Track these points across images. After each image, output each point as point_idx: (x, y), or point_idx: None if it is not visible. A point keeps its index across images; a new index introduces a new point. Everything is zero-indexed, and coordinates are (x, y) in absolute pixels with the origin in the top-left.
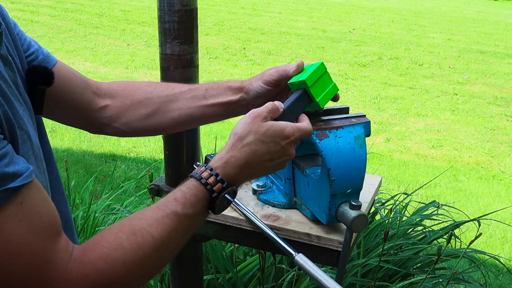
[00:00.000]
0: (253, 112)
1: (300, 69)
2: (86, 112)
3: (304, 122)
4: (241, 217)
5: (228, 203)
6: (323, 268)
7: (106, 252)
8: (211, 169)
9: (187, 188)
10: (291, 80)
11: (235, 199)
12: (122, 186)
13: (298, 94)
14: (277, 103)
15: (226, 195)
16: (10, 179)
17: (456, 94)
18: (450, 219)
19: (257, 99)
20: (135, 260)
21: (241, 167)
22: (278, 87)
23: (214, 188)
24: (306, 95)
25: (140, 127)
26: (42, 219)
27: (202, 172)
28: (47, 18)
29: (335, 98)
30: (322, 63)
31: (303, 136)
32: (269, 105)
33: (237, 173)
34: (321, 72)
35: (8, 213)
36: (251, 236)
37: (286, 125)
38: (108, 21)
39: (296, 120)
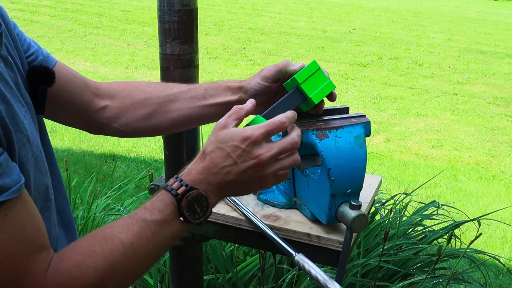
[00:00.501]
0: (215, 125)
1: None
2: (85, 112)
3: (272, 119)
4: (241, 217)
5: (202, 211)
6: (323, 268)
7: (80, 259)
8: (176, 177)
9: (156, 196)
10: (285, 82)
11: (235, 199)
12: (122, 186)
13: (291, 91)
14: (248, 102)
15: (194, 200)
16: None
17: (456, 94)
18: (450, 219)
19: (256, 97)
20: (107, 267)
21: (204, 173)
22: (277, 83)
23: (178, 191)
24: (299, 93)
25: (140, 128)
26: (25, 231)
27: (169, 182)
28: (47, 18)
29: (332, 98)
30: (314, 61)
31: (271, 130)
32: (231, 110)
33: (202, 178)
34: (313, 69)
35: None
36: (251, 236)
37: (245, 129)
38: (108, 21)
39: None
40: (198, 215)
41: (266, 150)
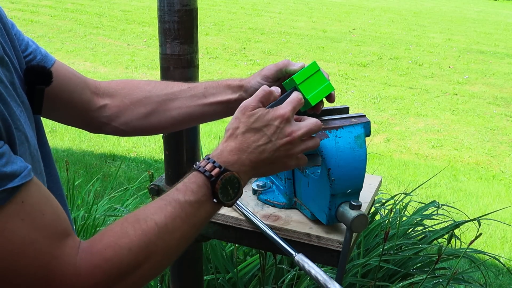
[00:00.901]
0: (242, 105)
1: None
2: (85, 111)
3: (293, 94)
4: (241, 217)
5: (234, 192)
6: (323, 268)
7: (113, 240)
8: (208, 159)
9: (187, 178)
10: (284, 82)
11: None
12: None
13: (289, 92)
14: (273, 88)
15: (228, 182)
16: (9, 179)
17: (456, 94)
18: (450, 219)
19: None
20: (141, 246)
21: (237, 153)
22: (277, 82)
23: (212, 173)
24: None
25: (140, 126)
26: (45, 216)
27: (201, 163)
28: (47, 18)
29: (330, 99)
30: (315, 62)
31: (297, 106)
32: (259, 92)
33: (235, 159)
34: (313, 70)
35: (10, 213)
36: (251, 236)
37: (276, 108)
38: (108, 21)
39: None
40: (231, 196)
41: (297, 128)
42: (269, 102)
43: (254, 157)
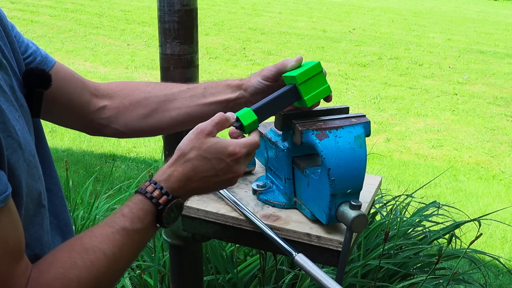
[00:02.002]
0: (197, 127)
1: (298, 63)
2: (84, 113)
3: (251, 136)
4: (241, 217)
5: (175, 217)
6: (324, 269)
7: (61, 272)
8: (155, 183)
9: (133, 203)
10: (285, 74)
11: (235, 199)
12: (123, 187)
13: (287, 88)
14: (228, 114)
15: (173, 208)
16: None
17: (456, 94)
18: (450, 219)
19: (256, 96)
20: (90, 278)
21: (184, 181)
22: (277, 82)
23: (159, 201)
24: (296, 91)
25: (139, 127)
26: (8, 243)
27: (147, 187)
28: (47, 18)
29: (327, 100)
30: (319, 62)
31: (252, 150)
32: (215, 118)
33: (181, 187)
34: (316, 71)
35: None
36: (251, 236)
37: (230, 143)
38: (108, 21)
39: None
40: (173, 220)
41: (243, 166)
42: (224, 128)
43: (197, 186)
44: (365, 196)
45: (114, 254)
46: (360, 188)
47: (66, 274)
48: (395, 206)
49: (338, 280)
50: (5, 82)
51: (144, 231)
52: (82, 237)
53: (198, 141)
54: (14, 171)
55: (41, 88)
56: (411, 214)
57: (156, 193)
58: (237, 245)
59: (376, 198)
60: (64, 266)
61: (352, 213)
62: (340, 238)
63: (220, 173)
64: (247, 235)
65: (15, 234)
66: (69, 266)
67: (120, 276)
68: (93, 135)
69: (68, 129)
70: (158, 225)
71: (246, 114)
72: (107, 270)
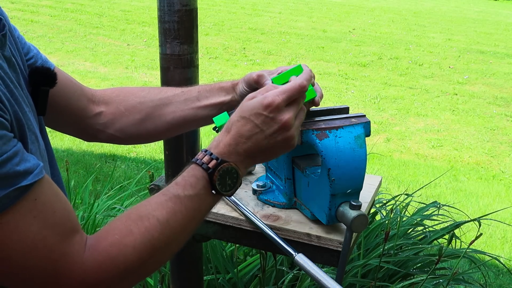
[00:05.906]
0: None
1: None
2: (80, 118)
3: (291, 82)
4: (241, 217)
5: (232, 184)
6: (324, 269)
7: (118, 239)
8: (206, 151)
9: (186, 171)
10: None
11: (235, 199)
12: (123, 186)
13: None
14: (274, 84)
15: (226, 173)
16: (22, 177)
17: (456, 94)
18: (450, 219)
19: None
20: (145, 244)
21: (233, 145)
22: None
23: (209, 165)
24: None
25: (135, 132)
26: (56, 214)
27: (198, 155)
28: (47, 18)
29: (314, 103)
30: (300, 65)
31: (293, 95)
32: (264, 87)
33: (231, 151)
34: (296, 73)
35: (23, 210)
36: (251, 236)
37: (265, 95)
38: (108, 21)
39: None
40: (229, 187)
41: (288, 114)
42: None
43: (248, 147)
44: (365, 196)
45: (167, 221)
46: (360, 188)
47: (122, 241)
48: (395, 206)
49: (338, 280)
50: (15, 79)
51: (198, 198)
52: (138, 206)
53: (240, 106)
54: None
55: (46, 86)
56: (411, 214)
57: (205, 158)
58: (237, 245)
59: (376, 198)
60: (120, 233)
61: (352, 213)
62: (340, 238)
63: (264, 127)
64: (247, 235)
65: (61, 205)
66: (125, 233)
67: (178, 244)
68: (89, 141)
69: None
70: (213, 191)
71: (223, 118)
72: (161, 235)
